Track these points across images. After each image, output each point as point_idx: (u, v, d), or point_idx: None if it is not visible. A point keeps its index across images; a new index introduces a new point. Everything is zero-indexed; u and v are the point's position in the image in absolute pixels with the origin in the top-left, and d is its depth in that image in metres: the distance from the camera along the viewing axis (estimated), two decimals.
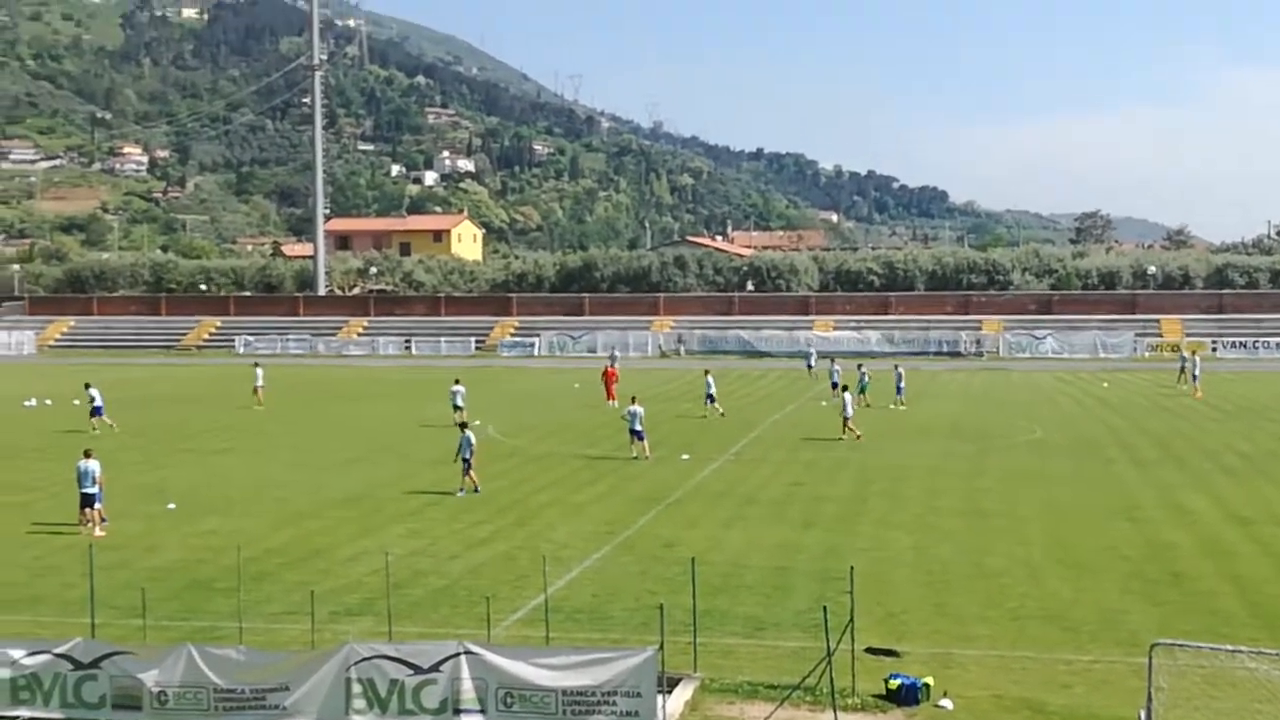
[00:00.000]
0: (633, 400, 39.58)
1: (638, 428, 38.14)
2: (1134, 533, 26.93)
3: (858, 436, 41.88)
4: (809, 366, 70.25)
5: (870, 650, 18.17)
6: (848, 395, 43.78)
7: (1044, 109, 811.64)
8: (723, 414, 49.23)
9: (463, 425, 33.10)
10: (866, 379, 54.04)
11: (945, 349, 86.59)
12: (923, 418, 49.16)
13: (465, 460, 31.87)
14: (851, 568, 18.81)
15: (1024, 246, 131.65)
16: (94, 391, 46.82)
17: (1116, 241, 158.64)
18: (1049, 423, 47.16)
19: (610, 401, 54.02)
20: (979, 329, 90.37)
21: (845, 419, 42.75)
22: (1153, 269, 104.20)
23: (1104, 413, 51.22)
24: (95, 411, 46.17)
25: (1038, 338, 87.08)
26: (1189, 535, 26.67)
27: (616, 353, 74.53)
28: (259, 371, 56.69)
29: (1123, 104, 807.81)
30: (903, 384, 54.04)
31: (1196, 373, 59.62)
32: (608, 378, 56.52)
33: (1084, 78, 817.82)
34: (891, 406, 52.29)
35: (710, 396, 50.40)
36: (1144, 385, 63.65)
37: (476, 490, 31.69)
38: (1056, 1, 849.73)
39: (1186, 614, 20.48)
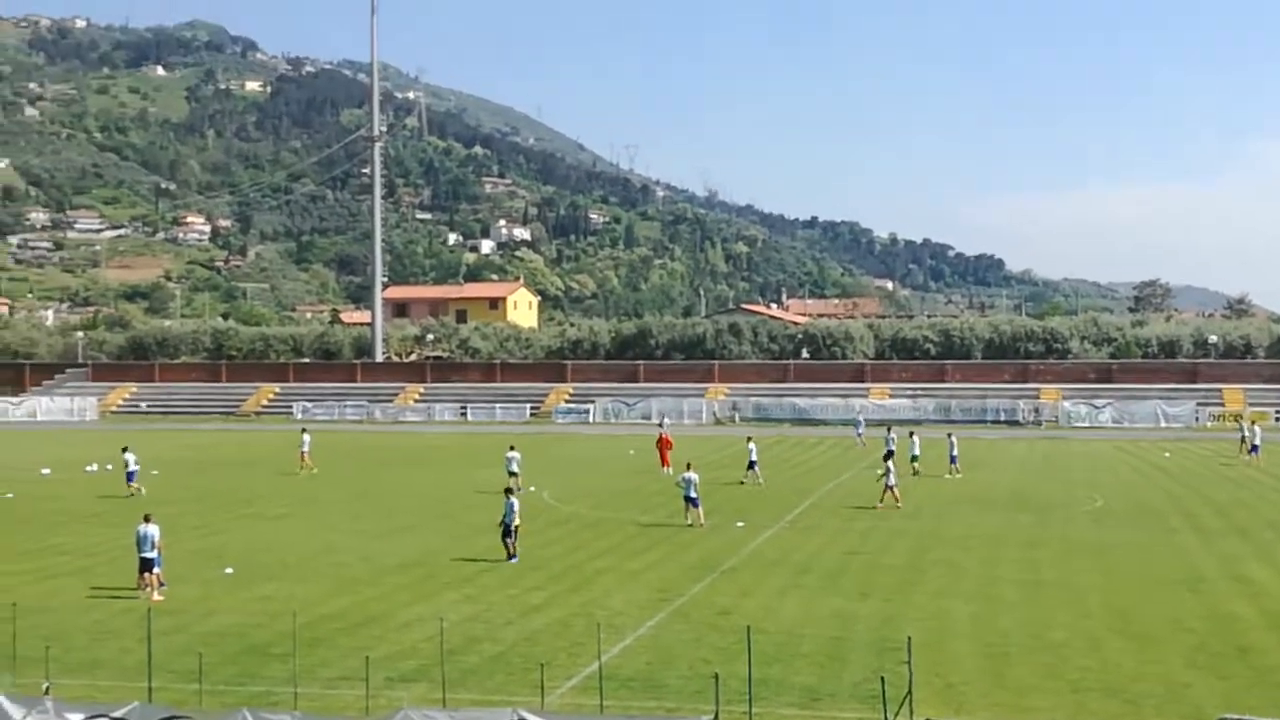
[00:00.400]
0: (688, 467, 39.52)
1: (693, 494, 38.07)
2: (1197, 604, 26.47)
3: (897, 504, 41.59)
4: (858, 434, 69.79)
5: None
6: (890, 463, 43.49)
7: (1102, 177, 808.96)
8: (761, 483, 48.99)
9: (508, 491, 33.01)
10: (918, 447, 53.67)
11: (1003, 417, 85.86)
12: (981, 486, 48.69)
13: (507, 525, 31.83)
14: (909, 638, 18.65)
15: (1082, 315, 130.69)
16: (129, 456, 47.46)
17: (1176, 310, 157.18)
18: (1110, 492, 46.57)
19: (665, 468, 53.95)
20: (1037, 397, 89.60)
21: (889, 487, 42.36)
22: (1214, 338, 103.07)
23: (1165, 482, 50.54)
24: (129, 477, 46.80)
25: (1097, 406, 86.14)
26: (1254, 607, 26.17)
27: (667, 420, 74.56)
28: (306, 437, 57.14)
29: (1182, 172, 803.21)
30: (956, 452, 53.55)
31: (1257, 442, 59.11)
32: (662, 444, 56.52)
33: (1142, 146, 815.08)
34: (947, 476, 51.83)
35: (752, 464, 50.21)
36: (1205, 455, 62.79)
37: (512, 557, 31.60)
38: (1114, 70, 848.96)
39: (1253, 688, 20.05)
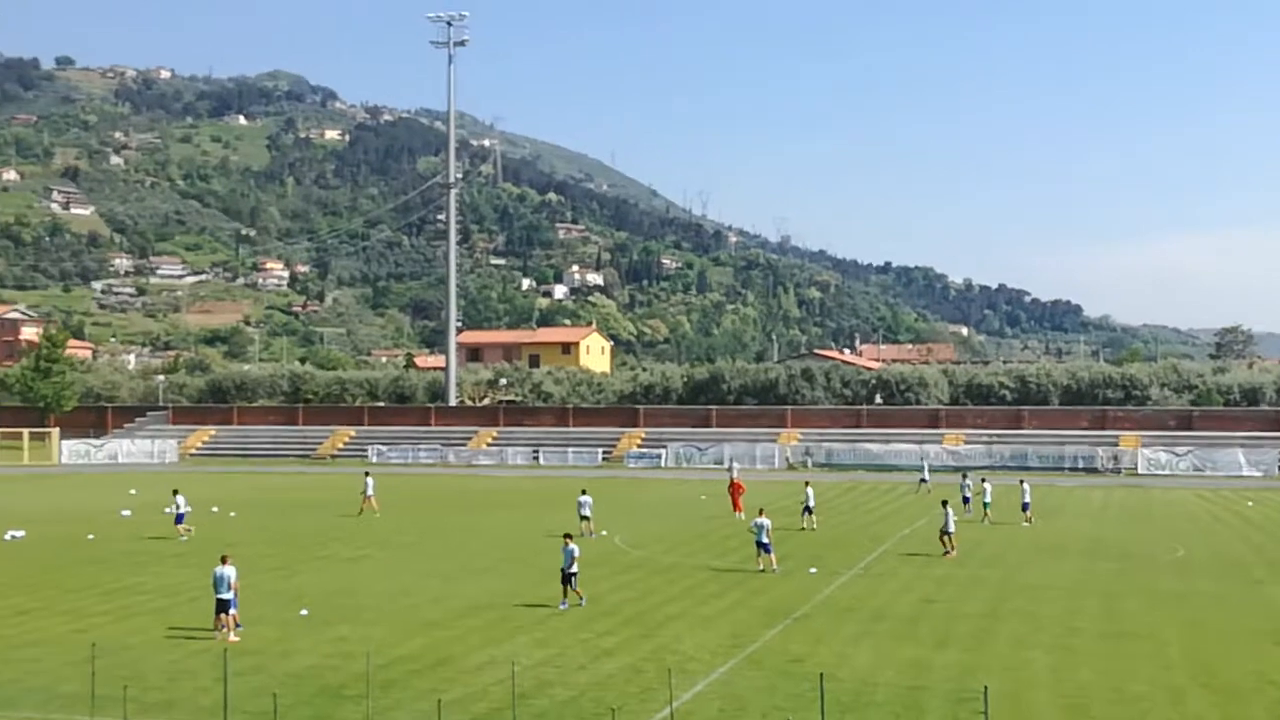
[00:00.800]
0: (760, 513, 39.34)
1: (765, 540, 37.87)
2: None
3: (947, 553, 41.06)
4: (922, 481, 69.10)
5: None
6: (949, 509, 42.66)
7: (1181, 222, 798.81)
8: (815, 529, 48.72)
9: (567, 536, 32.93)
10: (989, 495, 53.18)
11: (1081, 465, 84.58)
12: (1059, 535, 47.96)
13: (566, 573, 31.71)
14: (986, 688, 18.37)
15: (1162, 361, 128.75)
16: (180, 498, 48.23)
17: (1259, 357, 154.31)
18: (1191, 541, 45.67)
19: (737, 513, 53.74)
20: (1116, 445, 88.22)
21: (947, 534, 41.75)
22: None
23: (1249, 531, 49.48)
24: (179, 519, 47.55)
25: (1178, 454, 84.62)
26: None
27: (736, 464, 74.09)
28: (369, 480, 57.58)
29: (1263, 216, 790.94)
30: (1028, 499, 52.91)
31: None
32: (734, 490, 56.33)
33: (1223, 191, 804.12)
34: (1024, 524, 51.17)
35: (808, 508, 49.96)
36: None
37: (581, 602, 31.53)
38: (1192, 113, 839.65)
39: None
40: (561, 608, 31.17)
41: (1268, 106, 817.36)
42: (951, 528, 41.83)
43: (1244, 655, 25.97)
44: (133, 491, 48.56)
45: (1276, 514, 56.55)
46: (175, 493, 49.37)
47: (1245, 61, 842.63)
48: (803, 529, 48.78)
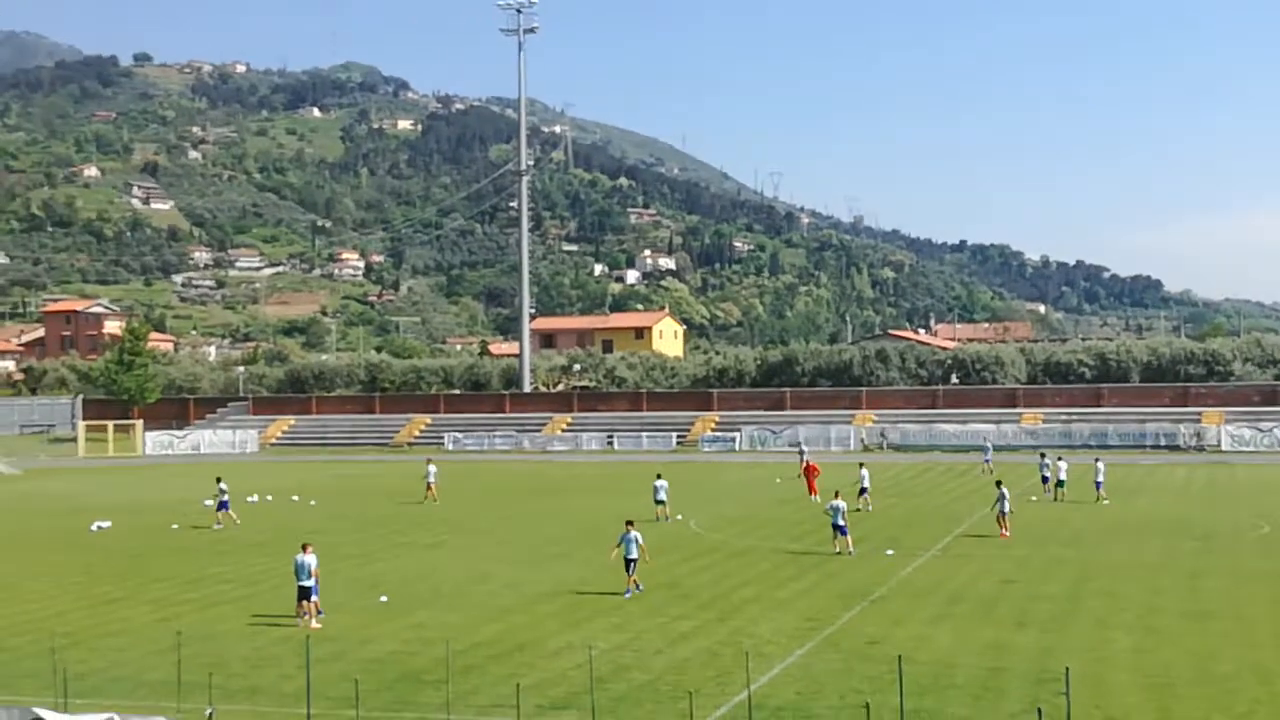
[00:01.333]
0: (836, 495, 39.15)
1: (840, 522, 37.69)
2: None
3: (1003, 533, 40.55)
4: (986, 461, 68.15)
5: None
6: (1004, 489, 41.82)
7: (1262, 193, 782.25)
8: (869, 510, 48.59)
9: (629, 523, 32.54)
10: (1064, 473, 52.92)
11: (1163, 442, 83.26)
12: (1141, 514, 47.30)
13: (629, 560, 31.49)
14: (1067, 669, 18.16)
15: (1245, 336, 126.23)
16: (223, 485, 49.01)
17: None
18: (1277, 518, 44.81)
19: (813, 496, 53.56)
20: (1198, 421, 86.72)
21: (1002, 514, 41.12)
22: None
23: None
24: (222, 505, 48.06)
25: (1263, 430, 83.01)
26: None
27: (806, 447, 73.57)
28: (432, 468, 57.63)
29: None
30: (1101, 478, 52.33)
31: None
32: (809, 472, 56.15)
33: None
34: (1105, 502, 50.56)
35: (863, 489, 49.97)
36: None
37: (638, 588, 31.34)
38: (1268, 85, 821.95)
39: None
40: (626, 595, 31.05)
41: None
42: (1007, 508, 41.22)
43: None
44: (222, 485, 49.20)
45: None
46: (219, 480, 50.16)
47: None
48: (858, 510, 48.58)
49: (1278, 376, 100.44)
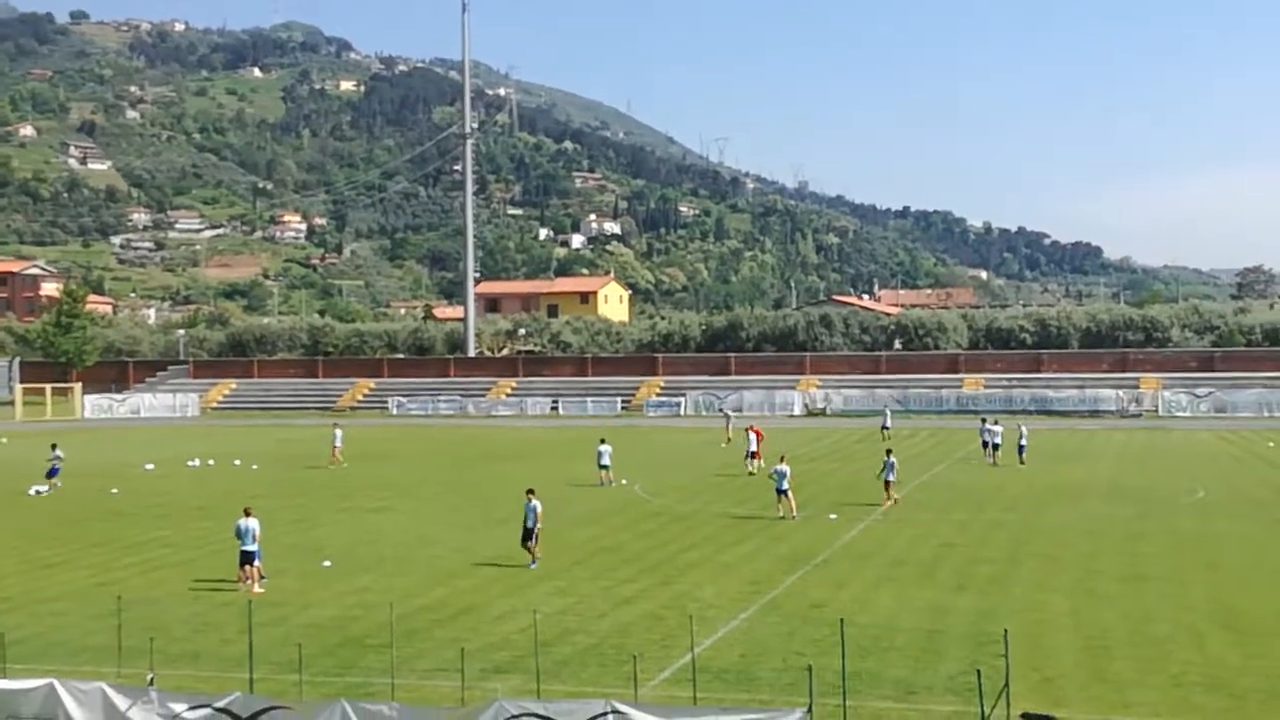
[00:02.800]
0: (780, 459, 39.38)
1: (784, 487, 37.91)
2: None
3: (887, 501, 39.59)
4: (884, 428, 67.57)
5: (1026, 715, 17.66)
6: (893, 459, 40.60)
7: (1202, 161, 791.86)
8: (755, 473, 49.34)
9: (529, 492, 31.64)
10: (999, 436, 54.14)
11: (1101, 408, 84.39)
12: (1079, 478, 47.93)
13: (528, 529, 30.79)
14: (1006, 631, 18.40)
15: (1183, 303, 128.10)
16: (58, 452, 49.13)
17: None
18: (1212, 483, 45.59)
19: (756, 461, 53.86)
20: (1136, 387, 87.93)
21: (888, 482, 39.94)
22: None
23: (1269, 473, 49.37)
24: (52, 472, 48.05)
25: (1199, 396, 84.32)
26: None
27: (730, 412, 73.33)
28: (338, 433, 57.95)
29: None
30: (1024, 442, 53.30)
31: None
32: (756, 438, 56.38)
33: (1243, 128, 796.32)
34: (1021, 467, 51.31)
35: (751, 453, 51.13)
36: None
37: (534, 563, 30.39)
38: (1208, 51, 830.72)
39: None
40: (532, 567, 30.27)
41: None
42: (893, 476, 40.16)
43: (1265, 596, 25.97)
44: (58, 453, 49.01)
45: None
46: (54, 446, 49.99)
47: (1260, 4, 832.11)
48: (751, 473, 49.66)
49: (1214, 343, 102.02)
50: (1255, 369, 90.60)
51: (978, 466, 52.31)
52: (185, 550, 33.87)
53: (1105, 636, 22.75)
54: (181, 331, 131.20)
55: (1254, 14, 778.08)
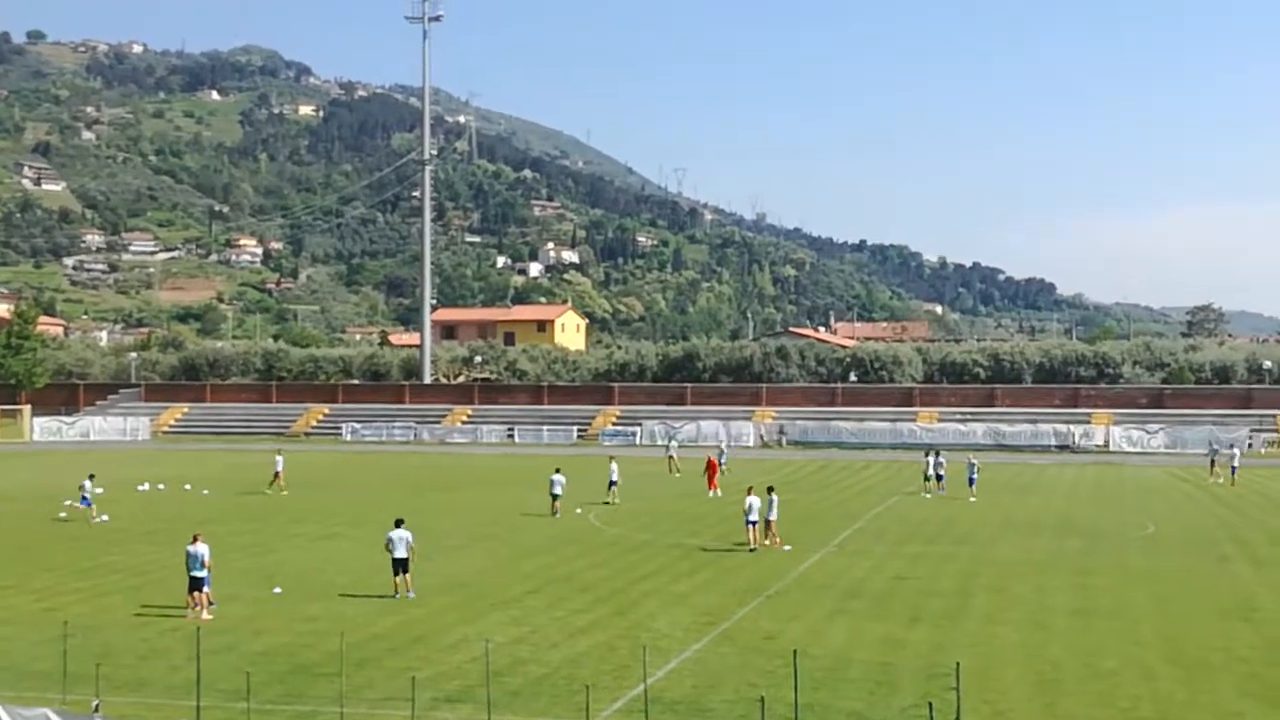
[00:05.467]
0: (749, 491, 39.21)
1: (754, 518, 37.78)
2: (1251, 633, 26.09)
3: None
4: (721, 462, 62.26)
5: None
6: (774, 497, 38.99)
7: (1154, 201, 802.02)
8: (617, 503, 50.16)
9: (398, 522, 31.02)
10: (943, 468, 54.77)
11: (1053, 442, 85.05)
12: (1031, 513, 48.25)
13: (397, 560, 30.17)
14: (958, 664, 18.49)
15: (1134, 339, 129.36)
16: (87, 483, 47.03)
17: (1230, 335, 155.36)
18: (1162, 519, 46.01)
19: (711, 491, 53.92)
20: (1088, 422, 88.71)
21: (766, 521, 38.26)
22: (1269, 363, 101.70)
23: (1218, 509, 49.88)
24: (84, 501, 46.32)
25: (1149, 432, 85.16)
26: None
27: (674, 443, 73.14)
28: (279, 459, 56.83)
29: (1235, 196, 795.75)
30: (975, 475, 53.63)
31: (1235, 464, 60.84)
32: (710, 469, 56.46)
33: (1194, 171, 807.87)
34: (972, 500, 51.60)
35: (612, 483, 51.61)
36: (1260, 481, 61.88)
37: (409, 593, 29.97)
38: (1163, 90, 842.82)
39: None
40: (396, 597, 29.87)
41: (1237, 87, 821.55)
42: (773, 514, 38.65)
43: (1212, 631, 26.20)
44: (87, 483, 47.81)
45: (1246, 491, 56.99)
46: (91, 477, 48.07)
47: (1215, 42, 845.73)
48: (607, 503, 50.00)
49: (1165, 380, 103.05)
50: (1205, 406, 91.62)
51: (932, 500, 52.54)
52: (133, 576, 33.49)
53: (1055, 670, 22.88)
54: (134, 354, 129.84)
55: (1204, 55, 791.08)
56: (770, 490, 39.51)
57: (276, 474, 55.91)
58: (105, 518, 45.74)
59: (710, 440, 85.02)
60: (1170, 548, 38.63)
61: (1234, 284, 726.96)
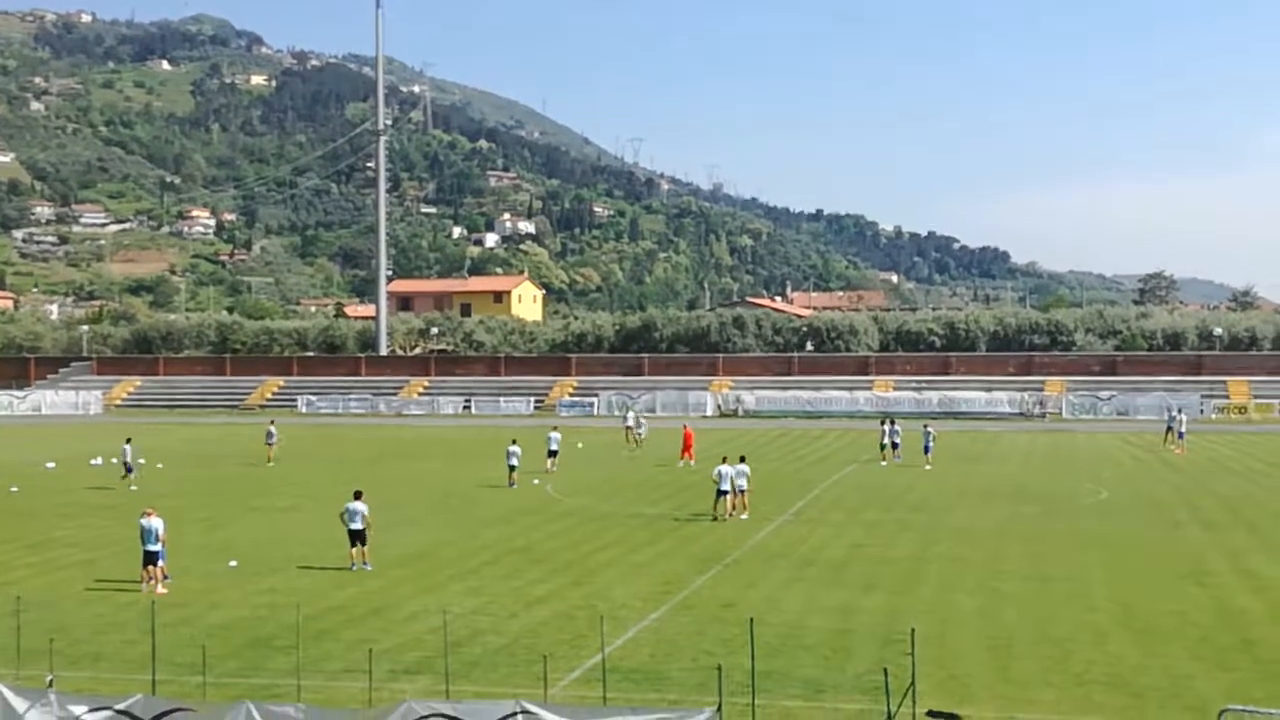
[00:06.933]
0: (723, 460, 39.20)
1: (725, 488, 37.73)
2: (1203, 597, 26.43)
3: (729, 514, 37.59)
4: (639, 433, 63.92)
5: (931, 714, 17.89)
6: (745, 467, 38.74)
7: (1107, 170, 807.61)
8: (553, 470, 50.73)
9: (357, 494, 31.01)
10: (899, 436, 55.20)
11: (1007, 410, 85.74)
12: (986, 480, 48.64)
13: (354, 531, 30.06)
14: (913, 630, 18.62)
15: (1087, 307, 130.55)
16: (127, 448, 48.07)
17: (1181, 303, 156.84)
18: (1114, 485, 46.50)
19: (683, 459, 54.08)
20: (1042, 390, 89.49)
21: (741, 491, 37.97)
22: (1219, 330, 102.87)
23: (1170, 475, 50.46)
24: (129, 469, 48.27)
25: (1101, 399, 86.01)
26: (1260, 601, 26.12)
27: (633, 414, 73.23)
28: (273, 429, 58.31)
29: (1187, 166, 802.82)
30: (931, 443, 53.96)
31: (1183, 430, 61.43)
32: (686, 438, 56.36)
33: (1146, 140, 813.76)
34: (927, 468, 51.96)
35: (552, 452, 52.21)
36: (1210, 447, 62.63)
37: (367, 566, 29.87)
38: (1118, 62, 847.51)
39: (1257, 681, 20.01)
40: (360, 568, 29.83)
41: (1193, 53, 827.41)
42: (744, 484, 38.36)
43: (1164, 596, 26.52)
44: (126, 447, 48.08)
45: (1198, 457, 57.66)
46: (128, 440, 49.94)
47: (1164, 14, 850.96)
48: (546, 471, 50.44)
49: (1117, 347, 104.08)
50: (1157, 373, 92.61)
51: (888, 468, 52.86)
52: (87, 550, 33.22)
53: (1009, 636, 23.10)
54: (85, 327, 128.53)
55: (1157, 29, 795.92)
56: (742, 459, 39.61)
57: (270, 445, 56.90)
58: (134, 488, 46.55)
59: (667, 410, 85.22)
60: (1123, 513, 39.05)
61: (1185, 251, 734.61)
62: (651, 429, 67.60)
